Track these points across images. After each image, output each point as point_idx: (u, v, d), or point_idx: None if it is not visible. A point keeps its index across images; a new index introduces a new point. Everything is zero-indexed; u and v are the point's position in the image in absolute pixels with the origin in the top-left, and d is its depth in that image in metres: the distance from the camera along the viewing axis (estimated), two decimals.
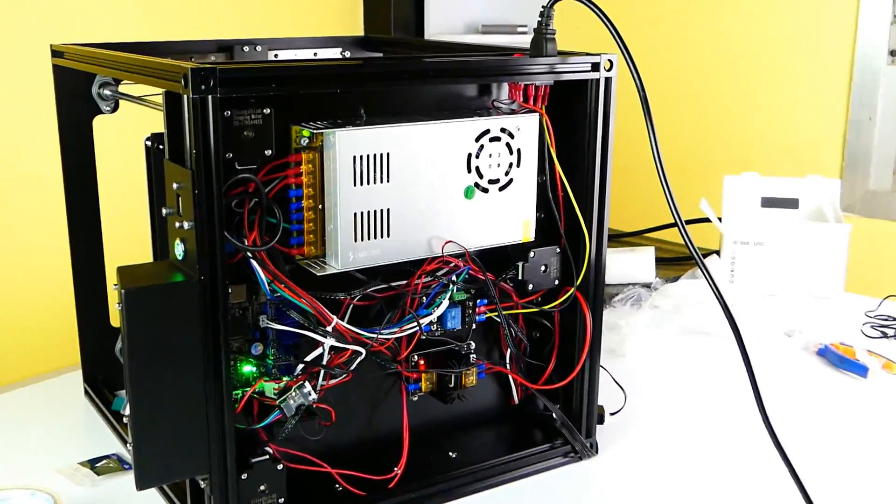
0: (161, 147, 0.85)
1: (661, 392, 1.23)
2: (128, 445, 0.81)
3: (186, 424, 0.80)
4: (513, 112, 0.95)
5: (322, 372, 0.88)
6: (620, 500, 0.97)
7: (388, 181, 0.86)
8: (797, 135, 2.65)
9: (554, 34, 0.94)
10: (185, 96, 0.75)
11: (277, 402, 0.87)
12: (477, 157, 0.91)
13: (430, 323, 0.94)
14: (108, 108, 1.10)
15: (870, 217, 2.54)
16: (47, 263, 1.84)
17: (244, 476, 0.85)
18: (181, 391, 0.79)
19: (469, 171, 0.91)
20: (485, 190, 0.92)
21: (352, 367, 0.89)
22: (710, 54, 2.80)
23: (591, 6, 0.92)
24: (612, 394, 1.11)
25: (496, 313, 0.98)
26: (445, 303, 0.93)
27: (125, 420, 0.83)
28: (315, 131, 0.83)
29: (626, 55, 0.94)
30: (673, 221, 0.99)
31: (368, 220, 0.86)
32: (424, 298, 0.93)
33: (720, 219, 1.62)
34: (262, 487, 0.86)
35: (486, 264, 0.95)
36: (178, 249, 0.81)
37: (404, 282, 0.92)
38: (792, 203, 1.67)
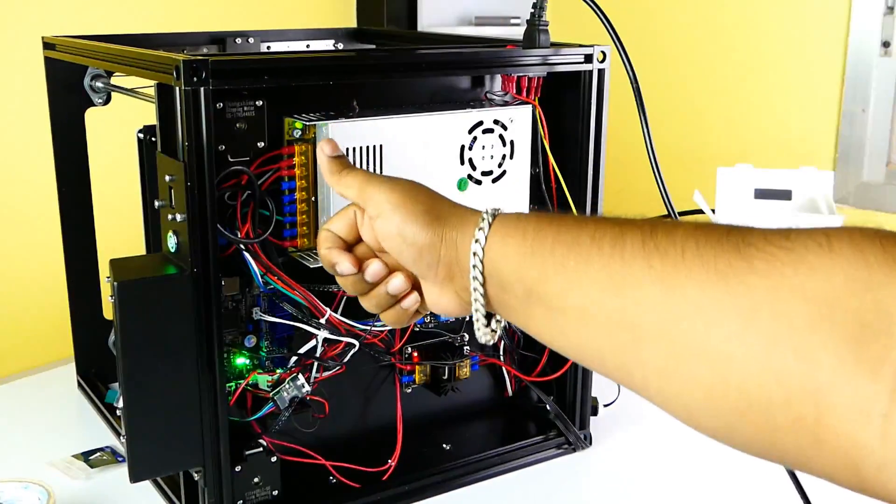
0: (153, 139, 0.85)
1: None
2: (121, 438, 0.81)
3: (180, 417, 0.80)
4: (506, 104, 0.95)
5: (315, 364, 0.88)
6: (614, 492, 0.98)
7: (381, 173, 0.86)
8: (790, 126, 2.65)
9: (547, 26, 0.94)
10: (178, 88, 0.75)
11: (271, 394, 0.87)
12: (470, 148, 0.91)
13: (424, 315, 0.94)
14: (100, 101, 1.10)
15: (863, 209, 2.55)
16: (40, 256, 1.83)
17: (238, 468, 0.85)
18: (174, 384, 0.79)
19: (462, 162, 0.91)
20: (478, 182, 0.92)
21: (345, 360, 0.89)
22: (703, 46, 2.80)
23: None
24: (606, 385, 1.11)
25: None
26: None
27: (119, 413, 0.83)
28: (308, 123, 0.83)
29: (619, 47, 0.93)
30: (666, 213, 1.00)
31: None
32: None
33: (713, 210, 1.62)
34: (255, 480, 0.86)
35: None
36: (171, 242, 0.80)
37: None
38: (785, 195, 1.67)
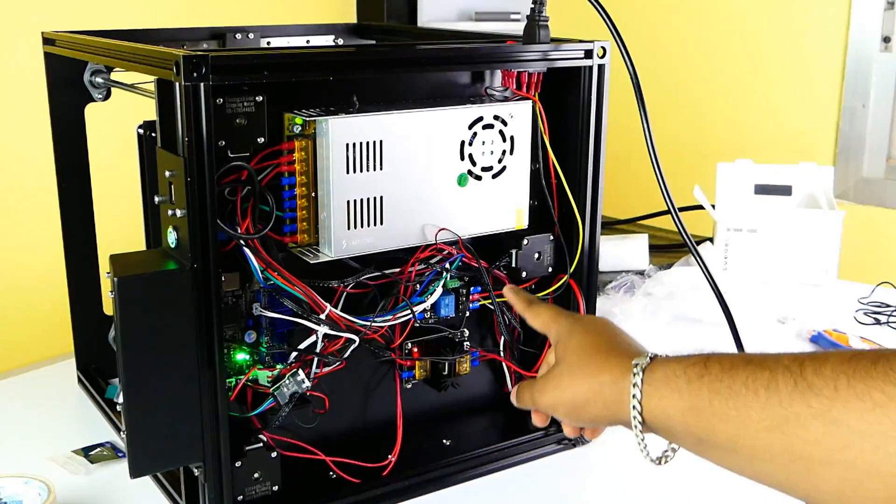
0: (153, 135, 0.85)
1: None
2: (121, 433, 0.81)
3: (180, 412, 0.80)
4: (506, 99, 0.95)
5: (316, 360, 0.88)
6: (614, 488, 0.98)
7: (381, 169, 0.86)
8: (790, 122, 2.65)
9: (547, 21, 0.94)
10: (178, 84, 0.75)
11: (271, 390, 0.87)
12: (470, 144, 0.91)
13: (424, 310, 0.94)
14: (99, 96, 1.10)
15: (863, 204, 2.55)
16: (40, 251, 1.83)
17: (238, 464, 0.85)
18: (175, 379, 0.79)
19: (462, 158, 0.91)
20: (478, 177, 0.92)
21: (345, 355, 0.89)
22: (703, 42, 2.80)
23: None
24: None
25: (490, 301, 0.98)
26: (439, 290, 0.93)
27: (119, 408, 0.83)
28: (308, 119, 0.83)
29: (619, 42, 0.93)
30: (666, 209, 1.00)
31: (361, 208, 0.85)
32: (418, 286, 0.93)
33: (713, 206, 1.63)
34: (256, 475, 0.86)
35: (479, 252, 0.95)
36: (171, 237, 0.80)
37: (398, 269, 0.92)
38: (785, 190, 1.67)
